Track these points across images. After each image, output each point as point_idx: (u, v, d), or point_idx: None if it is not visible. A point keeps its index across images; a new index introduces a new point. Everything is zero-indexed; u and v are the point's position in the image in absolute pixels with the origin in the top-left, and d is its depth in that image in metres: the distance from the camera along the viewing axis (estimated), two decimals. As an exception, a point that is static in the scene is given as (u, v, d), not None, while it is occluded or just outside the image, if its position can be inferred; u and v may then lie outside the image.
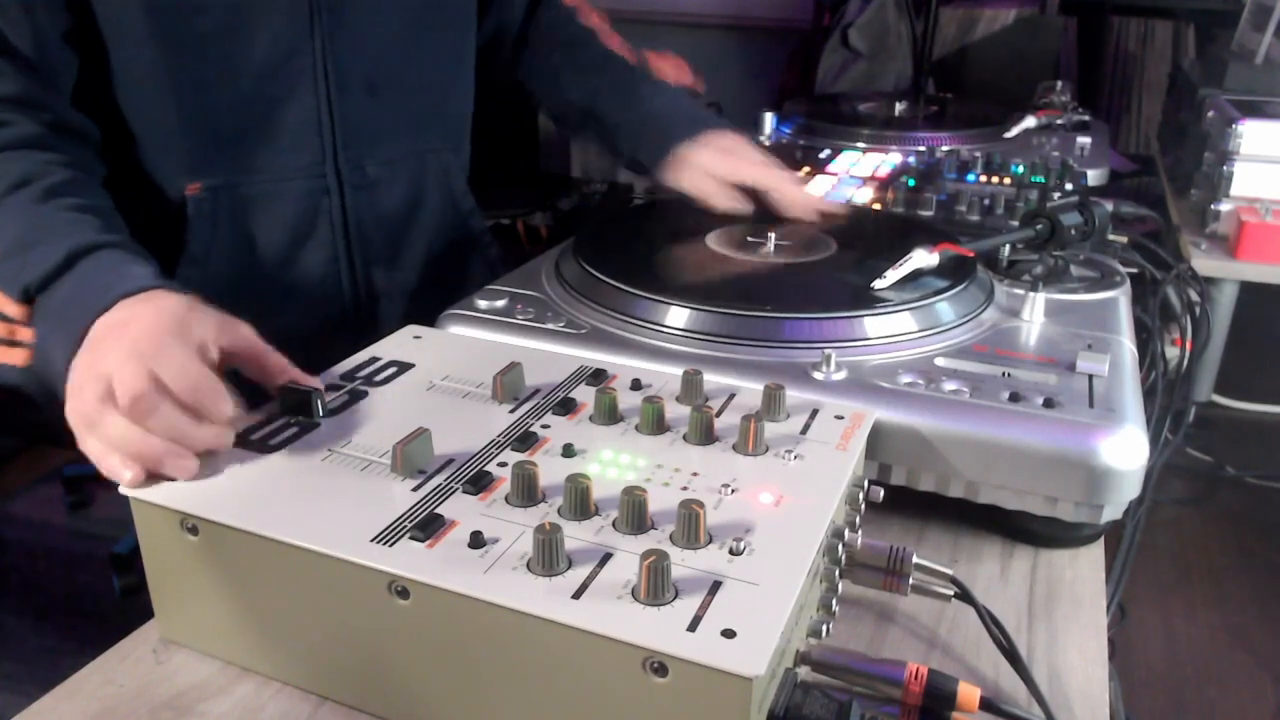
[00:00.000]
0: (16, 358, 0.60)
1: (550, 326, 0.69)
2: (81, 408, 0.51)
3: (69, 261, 0.58)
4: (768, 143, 0.99)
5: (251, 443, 0.52)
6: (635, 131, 0.93)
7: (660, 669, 0.39)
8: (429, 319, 0.71)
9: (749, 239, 0.82)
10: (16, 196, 0.61)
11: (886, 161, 1.19)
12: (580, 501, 0.46)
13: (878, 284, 0.70)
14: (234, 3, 0.71)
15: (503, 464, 0.51)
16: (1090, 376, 0.62)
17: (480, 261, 0.96)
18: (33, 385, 0.61)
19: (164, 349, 0.51)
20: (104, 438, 0.50)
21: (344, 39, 0.77)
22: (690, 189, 0.88)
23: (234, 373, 0.56)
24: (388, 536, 0.45)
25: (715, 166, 0.88)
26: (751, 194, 0.88)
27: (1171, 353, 0.96)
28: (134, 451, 0.49)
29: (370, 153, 0.83)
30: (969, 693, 0.45)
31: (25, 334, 0.60)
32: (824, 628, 0.47)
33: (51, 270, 0.58)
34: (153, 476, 0.49)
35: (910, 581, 0.52)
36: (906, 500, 0.62)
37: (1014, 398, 0.59)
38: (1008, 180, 1.09)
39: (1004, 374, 0.63)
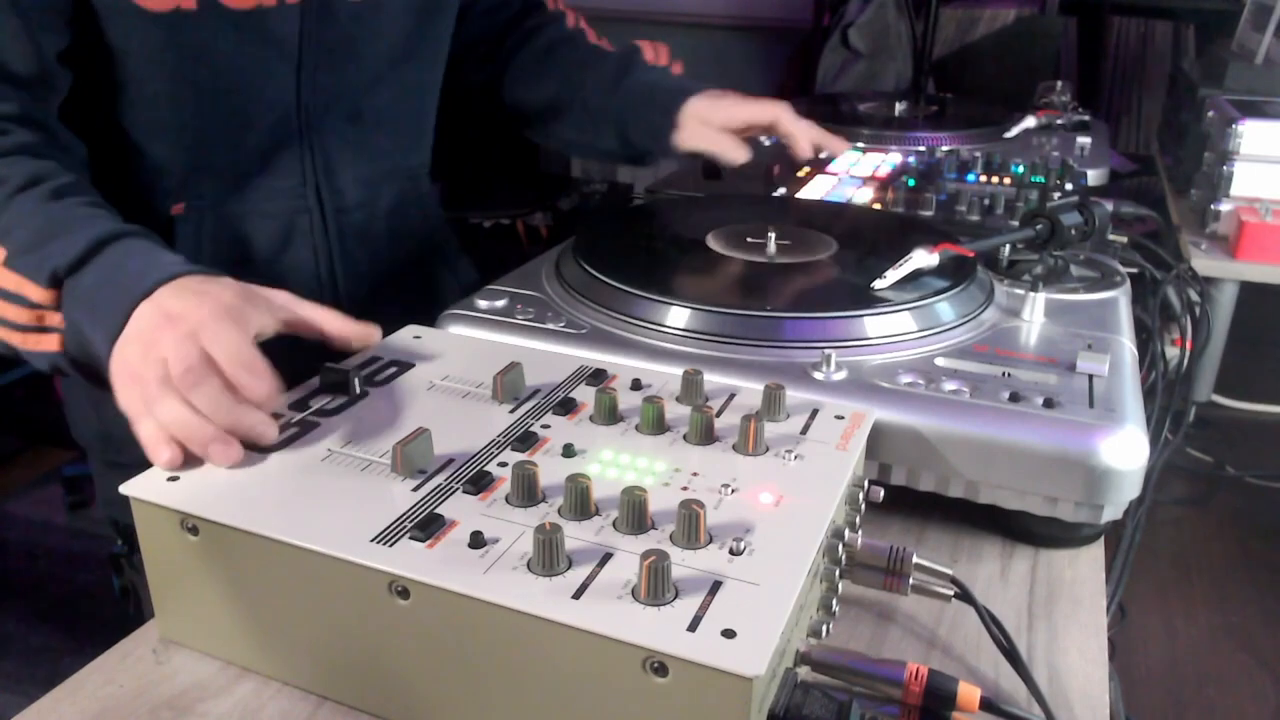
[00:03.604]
0: (51, 343, 0.61)
1: (550, 326, 0.69)
2: (141, 392, 0.52)
3: (96, 247, 0.59)
4: (768, 143, 1.00)
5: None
6: (632, 111, 0.94)
7: (660, 669, 0.39)
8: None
9: (749, 239, 0.82)
10: (29, 194, 0.62)
11: (886, 161, 1.19)
12: (580, 501, 0.46)
13: (878, 284, 0.70)
14: (236, 39, 0.72)
15: (503, 464, 0.51)
16: (1090, 376, 0.62)
17: (455, 280, 0.98)
18: (68, 365, 0.62)
19: (221, 332, 0.53)
20: (159, 419, 0.51)
21: (329, 75, 0.79)
22: (699, 147, 0.89)
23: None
24: (388, 536, 0.45)
25: (714, 114, 0.90)
26: (753, 143, 0.91)
27: (1171, 353, 0.96)
28: (185, 433, 0.50)
29: (349, 176, 0.84)
30: (969, 693, 0.45)
31: (54, 319, 0.60)
32: (824, 628, 0.47)
33: (79, 255, 0.59)
34: (189, 463, 0.50)
35: (910, 581, 0.52)
36: (906, 500, 0.62)
37: (1014, 398, 0.59)
38: (1008, 180, 1.09)
39: (1004, 374, 0.63)
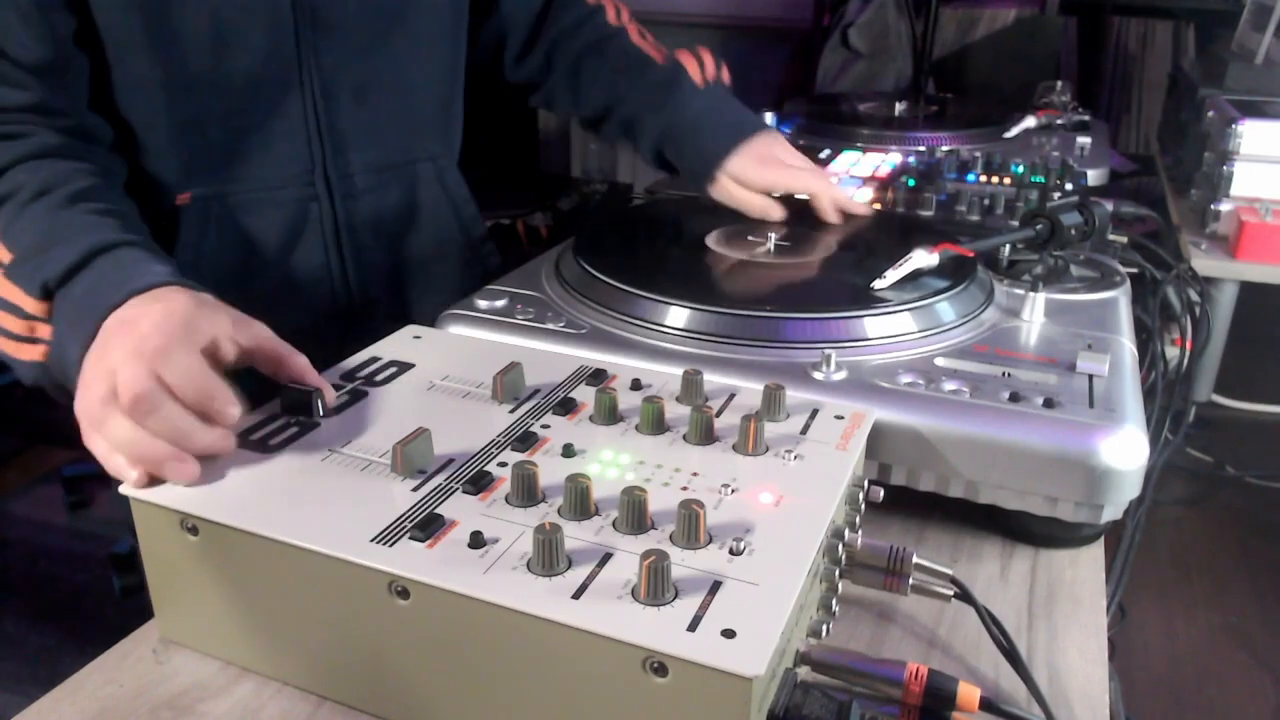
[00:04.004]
0: (36, 354, 0.60)
1: (550, 326, 0.69)
2: (87, 406, 0.51)
3: (87, 258, 0.58)
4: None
5: (251, 443, 0.52)
6: (671, 141, 0.92)
7: (660, 669, 0.39)
8: (426, 324, 0.71)
9: (749, 239, 0.82)
10: (41, 202, 0.61)
11: (886, 161, 1.19)
12: (580, 501, 0.46)
13: (878, 284, 0.70)
14: (222, 16, 0.71)
15: (503, 464, 0.51)
16: (1090, 376, 0.62)
17: (479, 267, 0.96)
18: (47, 381, 0.61)
19: (168, 348, 0.51)
20: (107, 437, 0.50)
21: (329, 49, 0.78)
22: (735, 205, 0.88)
23: (237, 373, 0.56)
24: (388, 536, 0.45)
25: (756, 178, 0.88)
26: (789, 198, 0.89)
27: (1171, 353, 0.96)
28: (135, 454, 0.49)
29: (359, 160, 0.83)
30: (969, 693, 0.45)
31: (44, 330, 0.60)
32: (824, 628, 0.47)
33: (70, 266, 0.58)
34: (155, 479, 0.49)
35: (910, 581, 0.52)
36: (906, 500, 0.62)
37: (1014, 398, 0.59)
38: (1008, 180, 1.09)
39: (1004, 374, 0.63)
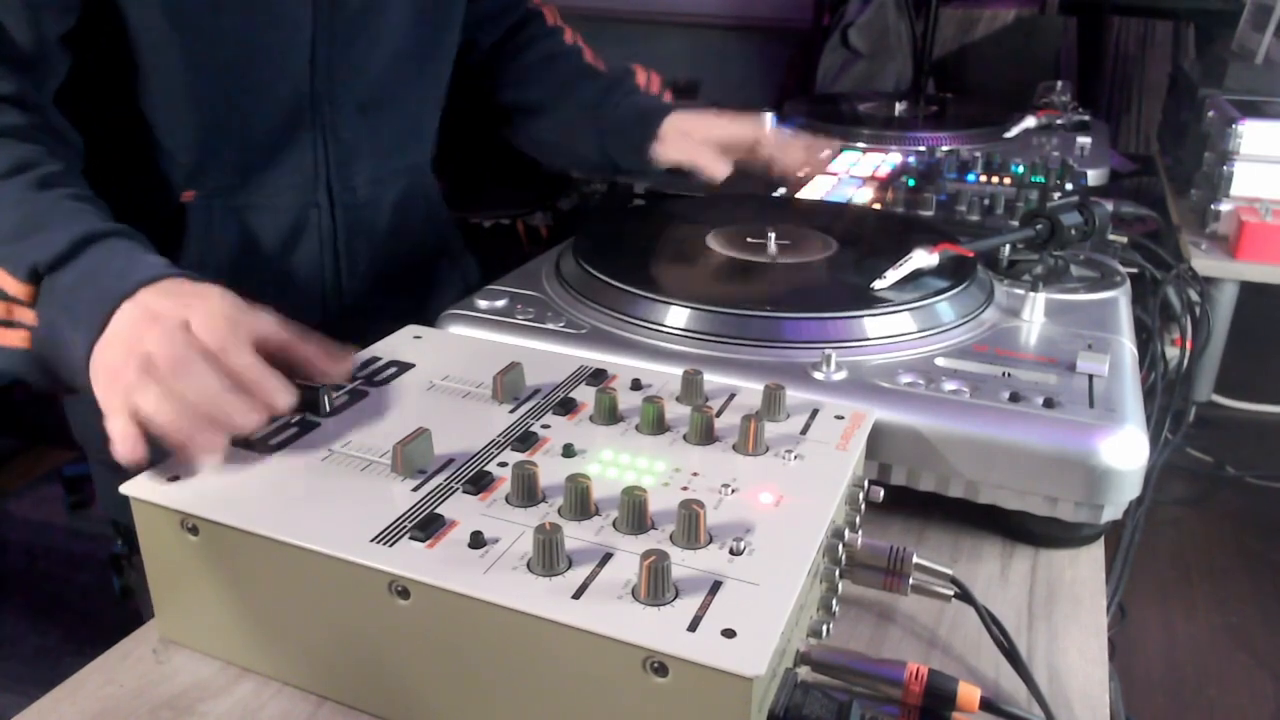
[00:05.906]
0: (15, 339, 0.59)
1: (550, 326, 0.69)
2: (119, 383, 0.51)
3: (80, 245, 0.58)
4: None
5: (251, 443, 0.52)
6: (618, 123, 0.94)
7: (660, 669, 0.39)
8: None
9: (749, 239, 0.82)
10: (14, 181, 0.61)
11: (886, 161, 1.19)
12: (580, 501, 0.46)
13: (878, 284, 0.70)
14: (251, 33, 0.73)
15: (503, 464, 0.51)
16: (1090, 376, 0.62)
17: (459, 277, 0.98)
18: (31, 369, 0.61)
19: (218, 330, 0.52)
20: (140, 408, 0.49)
21: (343, 64, 0.79)
22: (678, 160, 0.90)
23: None
24: (388, 536, 0.45)
25: (696, 127, 0.90)
26: (738, 164, 0.91)
27: (1171, 353, 0.96)
28: (167, 420, 0.49)
29: (361, 171, 0.84)
30: (969, 693, 0.45)
31: (26, 315, 0.59)
32: (824, 628, 0.47)
33: (63, 252, 0.57)
34: (152, 463, 0.49)
35: (910, 581, 0.52)
36: (906, 500, 0.62)
37: (1014, 398, 0.59)
38: (1008, 180, 1.09)
39: (1004, 374, 0.63)
